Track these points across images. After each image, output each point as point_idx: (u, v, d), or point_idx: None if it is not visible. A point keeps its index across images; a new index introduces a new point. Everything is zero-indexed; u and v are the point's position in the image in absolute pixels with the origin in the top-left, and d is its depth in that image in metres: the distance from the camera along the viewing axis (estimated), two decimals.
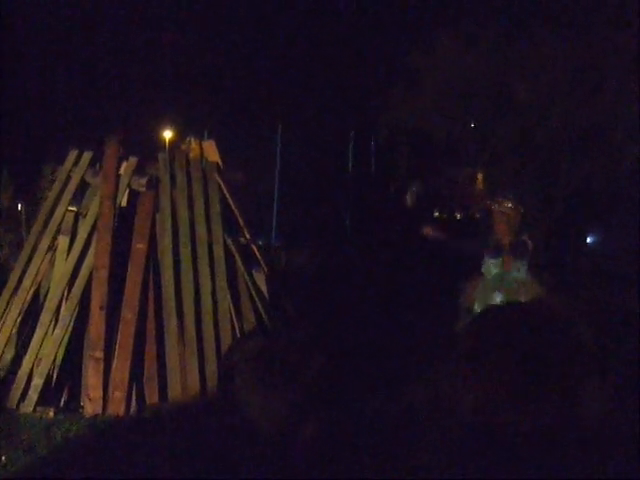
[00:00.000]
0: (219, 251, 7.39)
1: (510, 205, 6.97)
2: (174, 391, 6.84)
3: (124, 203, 7.58)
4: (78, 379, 7.04)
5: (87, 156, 7.74)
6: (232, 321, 7.18)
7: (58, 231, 7.47)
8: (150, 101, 31.40)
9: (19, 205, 16.34)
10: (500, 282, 6.70)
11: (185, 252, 7.31)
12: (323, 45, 32.33)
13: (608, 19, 18.72)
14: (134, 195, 7.60)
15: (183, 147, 8.32)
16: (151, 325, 7.08)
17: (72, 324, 7.05)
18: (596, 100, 18.71)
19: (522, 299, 6.12)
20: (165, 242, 7.31)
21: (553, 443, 1.54)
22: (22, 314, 7.21)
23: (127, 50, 32.72)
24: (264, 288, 7.52)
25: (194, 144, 8.14)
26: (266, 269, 7.63)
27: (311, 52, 32.20)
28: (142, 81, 32.44)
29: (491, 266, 6.81)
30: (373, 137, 18.78)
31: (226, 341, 6.95)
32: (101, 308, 6.95)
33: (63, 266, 7.28)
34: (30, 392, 6.79)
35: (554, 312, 1.62)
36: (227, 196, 7.80)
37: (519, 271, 6.69)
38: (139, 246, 7.22)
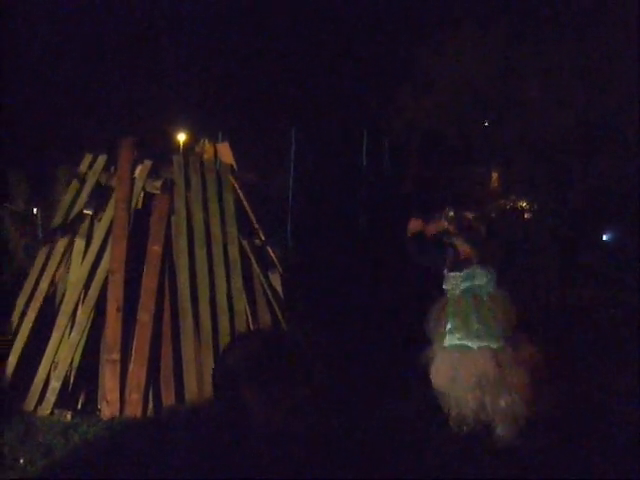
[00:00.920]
0: (234, 252, 7.39)
1: (472, 215, 6.37)
2: (190, 392, 6.85)
3: (139, 206, 7.60)
4: (95, 382, 7.06)
5: (102, 159, 7.77)
6: (248, 322, 7.19)
7: (73, 234, 7.49)
8: (164, 104, 31.44)
9: (34, 209, 16.39)
10: (472, 298, 6.14)
11: (200, 254, 7.32)
12: (336, 46, 32.30)
13: (617, 17, 18.69)
14: (149, 198, 7.61)
15: (197, 149, 8.33)
16: (167, 327, 7.08)
17: (88, 327, 7.07)
18: (607, 98, 18.67)
19: (491, 318, 6.00)
20: (180, 244, 7.32)
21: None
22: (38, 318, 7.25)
23: (141, 53, 32.76)
24: (279, 289, 7.52)
25: (208, 146, 8.15)
26: (281, 270, 7.63)
27: (324, 52, 32.17)
28: (156, 84, 32.48)
29: (457, 279, 6.25)
30: (386, 137, 18.73)
31: None
32: (117, 311, 6.97)
33: (79, 269, 7.30)
34: (47, 395, 6.82)
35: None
36: (242, 197, 7.80)
37: (486, 283, 6.16)
38: (154, 248, 7.23)
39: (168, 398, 6.87)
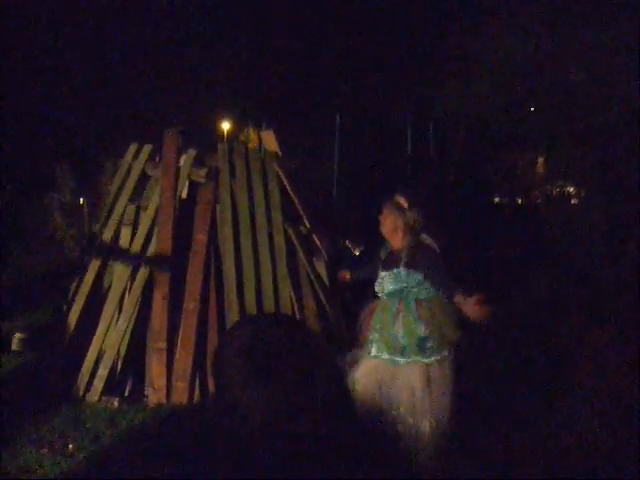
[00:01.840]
0: (279, 240, 7.39)
1: (403, 202, 5.20)
2: None
3: (184, 195, 7.63)
4: (142, 369, 7.11)
5: (147, 149, 7.80)
6: (293, 309, 7.19)
7: (120, 224, 7.54)
8: (208, 93, 31.56)
9: (81, 199, 16.58)
10: (399, 303, 5.13)
11: (245, 242, 7.33)
12: (380, 33, 32.18)
13: None
14: (194, 186, 7.64)
15: (242, 137, 8.35)
16: (213, 315, 7.11)
17: (135, 315, 7.13)
18: None
19: (422, 329, 4.95)
20: (225, 232, 7.34)
21: None
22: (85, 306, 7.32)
23: (184, 42, 32.90)
24: (325, 276, 7.51)
25: (252, 134, 8.17)
26: (326, 257, 7.61)
27: (368, 40, 32.06)
28: (200, 73, 32.61)
29: (385, 281, 5.25)
30: (431, 124, 18.64)
31: None
32: (164, 299, 7.01)
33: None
34: (95, 382, 6.88)
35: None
36: (286, 185, 7.79)
37: (417, 286, 5.08)
38: (200, 237, 7.25)
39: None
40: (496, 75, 22.26)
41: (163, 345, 6.91)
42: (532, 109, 22.83)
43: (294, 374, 1.68)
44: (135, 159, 7.80)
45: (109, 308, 7.15)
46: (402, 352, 4.99)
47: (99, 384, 6.87)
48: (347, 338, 7.25)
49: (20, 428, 6.01)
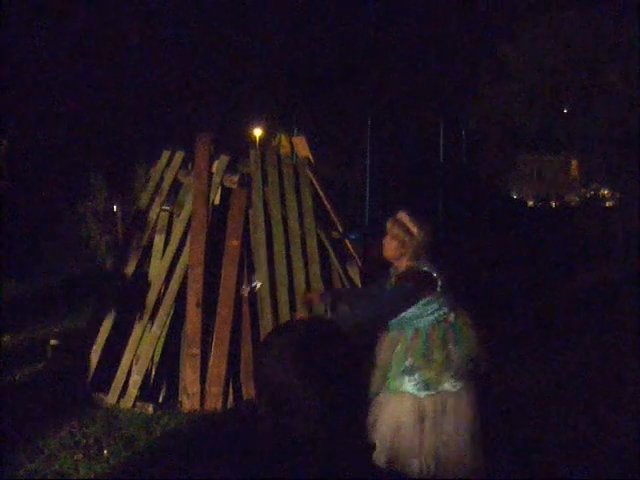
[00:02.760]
0: (312, 245, 7.38)
1: (412, 225, 4.37)
2: None
3: (217, 201, 7.64)
4: (176, 375, 7.13)
5: (179, 156, 7.82)
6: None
7: (153, 230, 7.57)
8: (240, 99, 31.68)
9: (114, 207, 16.67)
10: (399, 334, 4.47)
11: (279, 248, 7.33)
12: (411, 38, 32.16)
13: None
14: (227, 192, 7.65)
15: (274, 143, 8.35)
16: (247, 321, 7.11)
17: (169, 321, 7.15)
18: None
19: (409, 359, 4.32)
20: (258, 238, 7.34)
21: None
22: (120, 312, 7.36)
23: (217, 49, 33.05)
24: (358, 282, 7.48)
25: (284, 140, 8.15)
26: (360, 262, 7.59)
27: (399, 45, 32.05)
28: (232, 80, 32.73)
29: None
30: (463, 127, 18.58)
31: None
32: (197, 305, 7.02)
33: (159, 264, 7.37)
34: (129, 388, 6.91)
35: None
36: (319, 191, 7.78)
37: (420, 309, 4.32)
38: (233, 242, 7.26)
39: (248, 391, 6.89)
40: (528, 77, 22.14)
41: (197, 351, 6.92)
42: (565, 111, 22.68)
43: (342, 374, 1.69)
44: (168, 166, 7.82)
45: (143, 314, 7.18)
46: (389, 383, 4.39)
47: (133, 390, 6.90)
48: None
49: (55, 434, 6.05)
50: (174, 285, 7.20)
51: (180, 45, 32.36)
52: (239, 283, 7.17)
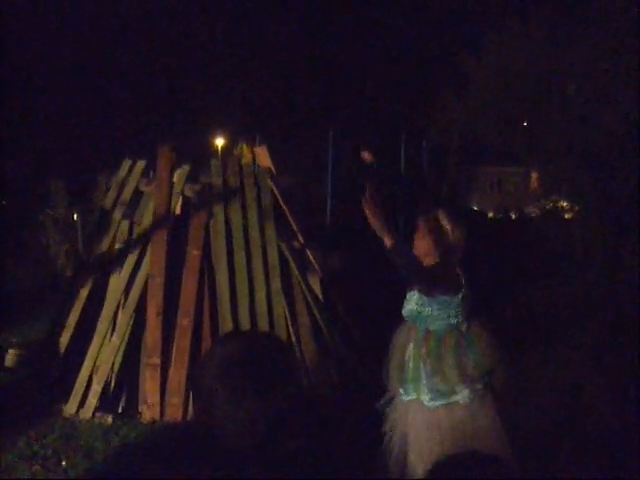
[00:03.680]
0: (273, 255, 7.39)
1: (446, 223, 4.33)
2: None
3: (178, 210, 7.64)
4: (135, 385, 7.10)
5: (140, 165, 7.80)
6: (287, 325, 7.19)
7: (114, 239, 7.54)
8: (202, 109, 31.62)
9: (74, 215, 16.56)
10: (412, 328, 4.40)
11: (239, 258, 7.33)
12: (372, 49, 32.31)
13: None
14: (188, 202, 7.65)
15: (235, 153, 8.35)
16: (207, 331, 7.10)
17: (129, 331, 7.12)
18: None
19: (422, 365, 4.22)
20: (219, 248, 7.34)
21: None
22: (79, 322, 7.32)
23: (178, 58, 32.99)
24: (319, 292, 7.51)
25: (246, 150, 8.16)
26: (321, 273, 7.61)
27: (361, 55, 32.19)
28: (193, 89, 32.68)
29: (409, 302, 4.44)
30: (424, 139, 18.68)
31: None
32: (157, 315, 7.01)
33: (119, 274, 7.35)
34: (89, 398, 6.87)
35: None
36: (280, 201, 7.79)
37: (435, 311, 4.24)
38: (194, 253, 7.25)
39: None
40: (489, 90, 22.35)
41: (157, 361, 6.90)
42: (525, 124, 22.91)
43: (276, 388, 1.69)
44: (129, 175, 7.80)
45: (103, 324, 7.14)
46: (406, 387, 4.31)
47: (92, 400, 6.85)
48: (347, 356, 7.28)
49: (13, 444, 6.00)
50: (134, 295, 7.18)
51: (143, 54, 32.24)
52: (199, 293, 7.17)
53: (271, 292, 7.26)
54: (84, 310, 7.36)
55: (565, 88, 20.90)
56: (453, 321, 4.25)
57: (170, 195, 7.43)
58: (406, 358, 4.34)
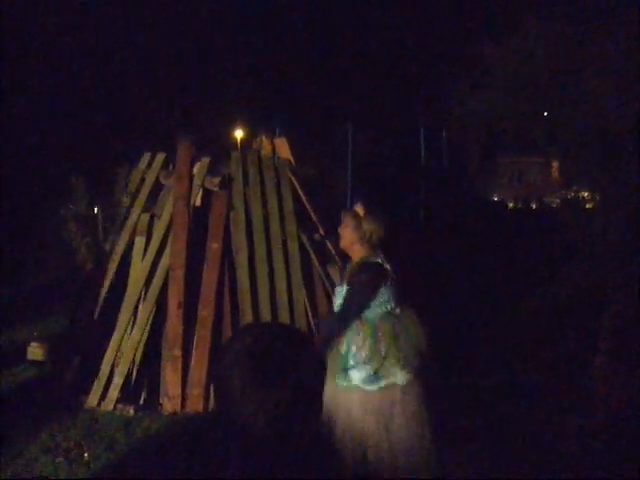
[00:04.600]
0: (293, 247, 7.39)
1: (361, 212, 4.55)
2: None
3: (198, 203, 7.64)
4: (157, 377, 7.11)
5: (160, 158, 7.82)
6: (308, 317, 7.19)
7: (134, 233, 7.56)
8: (221, 101, 31.64)
9: (95, 209, 16.60)
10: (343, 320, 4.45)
11: (259, 249, 7.33)
12: (392, 41, 32.22)
13: None
14: (208, 195, 7.65)
15: (255, 145, 8.35)
16: (227, 322, 7.11)
17: (150, 323, 7.13)
18: None
19: (354, 351, 4.31)
20: (239, 240, 7.34)
21: None
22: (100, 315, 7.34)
23: (198, 51, 33.03)
24: None
25: (266, 142, 8.16)
26: (340, 264, 7.60)
27: (381, 47, 32.11)
28: (213, 82, 32.70)
29: (338, 296, 4.60)
30: (444, 130, 18.62)
31: None
32: (178, 307, 7.02)
33: (139, 267, 7.36)
34: (110, 391, 6.89)
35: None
36: (300, 193, 7.79)
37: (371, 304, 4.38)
38: (214, 245, 7.26)
39: None
40: (509, 79, 22.22)
41: (178, 353, 6.91)
42: (545, 114, 22.77)
43: (291, 380, 1.69)
44: (149, 168, 7.82)
45: (124, 317, 7.16)
46: (344, 374, 4.31)
47: (114, 393, 6.87)
48: None
49: (36, 437, 6.03)
50: (155, 287, 7.19)
51: (161, 47, 32.27)
52: (220, 284, 7.17)
53: (292, 283, 7.25)
54: (105, 303, 7.38)
55: (588, 79, 20.77)
56: (385, 307, 4.41)
57: (190, 188, 7.44)
58: (344, 346, 4.37)
